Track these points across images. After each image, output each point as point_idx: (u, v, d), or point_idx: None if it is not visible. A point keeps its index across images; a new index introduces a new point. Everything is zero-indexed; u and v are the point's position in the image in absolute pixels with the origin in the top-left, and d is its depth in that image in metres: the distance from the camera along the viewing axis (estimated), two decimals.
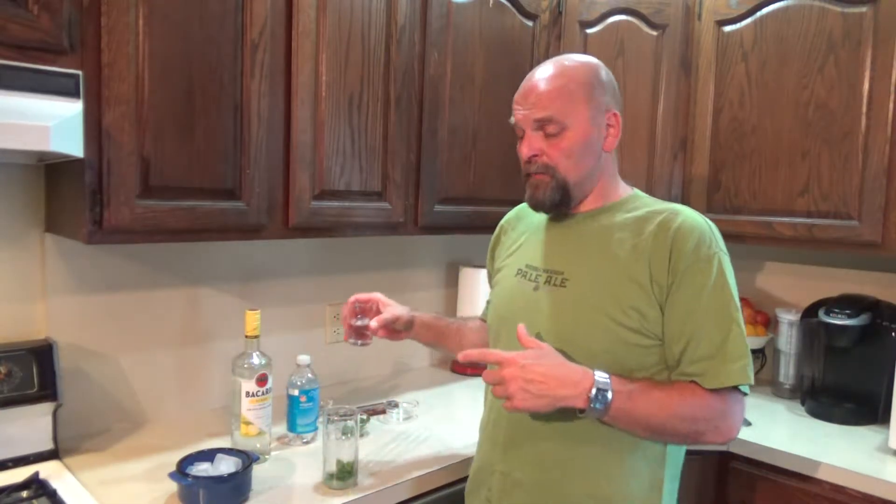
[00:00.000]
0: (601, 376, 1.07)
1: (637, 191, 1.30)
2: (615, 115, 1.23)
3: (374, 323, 1.40)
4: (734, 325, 1.12)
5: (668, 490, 1.21)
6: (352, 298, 1.43)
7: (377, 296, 1.45)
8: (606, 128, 1.22)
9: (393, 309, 1.44)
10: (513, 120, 1.24)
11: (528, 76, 1.24)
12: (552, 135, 1.18)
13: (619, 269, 1.15)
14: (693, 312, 1.12)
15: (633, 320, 1.13)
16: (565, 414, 1.14)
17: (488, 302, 1.50)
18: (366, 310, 1.44)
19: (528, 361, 1.06)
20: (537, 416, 1.18)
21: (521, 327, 1.12)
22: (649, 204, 1.24)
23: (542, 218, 1.34)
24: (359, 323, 1.42)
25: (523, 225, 1.39)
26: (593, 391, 1.05)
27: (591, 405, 1.05)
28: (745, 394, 1.14)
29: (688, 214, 1.17)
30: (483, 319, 1.52)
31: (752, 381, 1.12)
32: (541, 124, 1.19)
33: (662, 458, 1.19)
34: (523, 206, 1.44)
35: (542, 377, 1.05)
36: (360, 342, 1.44)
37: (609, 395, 1.06)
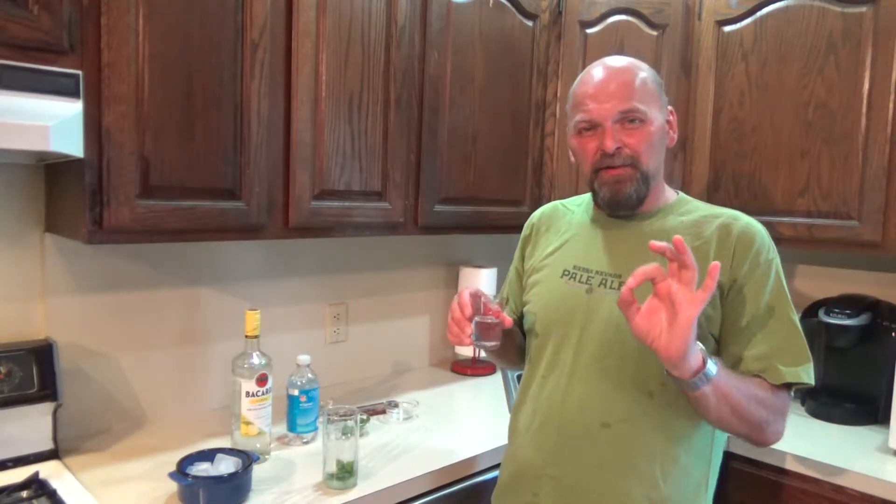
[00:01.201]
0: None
1: (682, 193, 1.30)
2: (673, 112, 1.26)
3: (508, 318, 1.19)
4: (794, 328, 1.14)
5: (711, 490, 1.22)
6: (467, 295, 1.19)
7: (481, 290, 1.23)
8: (667, 124, 1.24)
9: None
10: (581, 117, 1.20)
11: (591, 74, 1.22)
12: (633, 127, 1.17)
13: None
14: (754, 315, 1.13)
15: (700, 327, 1.12)
16: (622, 412, 1.15)
17: (505, 303, 1.48)
18: (484, 306, 1.18)
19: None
20: (592, 416, 1.17)
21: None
22: (701, 207, 1.25)
23: (584, 218, 1.32)
24: (490, 320, 1.17)
25: (562, 224, 1.36)
26: (705, 353, 1.01)
27: (706, 365, 0.99)
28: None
29: (749, 220, 1.20)
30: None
31: (814, 383, 1.13)
32: (625, 115, 1.17)
33: (709, 455, 1.20)
34: (556, 204, 1.43)
35: (692, 326, 0.96)
36: (490, 343, 1.19)
37: (716, 361, 1.03)
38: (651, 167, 1.20)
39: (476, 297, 1.19)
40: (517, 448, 1.30)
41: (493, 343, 1.19)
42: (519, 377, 1.41)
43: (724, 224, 1.18)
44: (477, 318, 1.17)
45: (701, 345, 1.03)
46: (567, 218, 1.37)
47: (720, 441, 1.23)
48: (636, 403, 1.15)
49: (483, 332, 1.17)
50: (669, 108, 1.25)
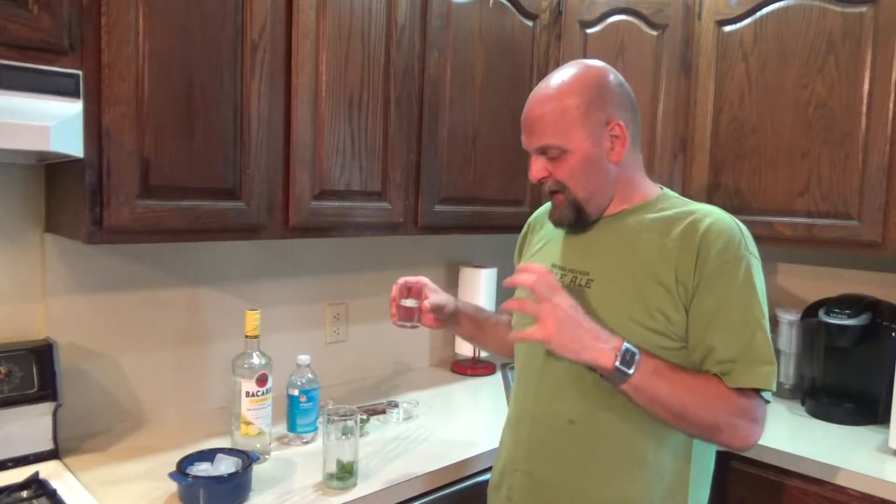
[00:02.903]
0: (630, 343, 1.07)
1: (666, 190, 1.28)
2: (619, 125, 1.18)
3: (427, 303, 1.38)
4: (759, 330, 1.10)
5: (694, 494, 1.19)
6: (400, 280, 1.39)
7: (424, 280, 1.41)
8: (611, 140, 1.18)
9: (439, 296, 1.42)
10: (522, 141, 1.25)
11: (529, 100, 1.23)
12: (554, 158, 1.19)
13: (645, 271, 1.15)
14: (717, 316, 1.10)
15: (658, 323, 1.12)
16: (588, 409, 1.15)
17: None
18: (414, 292, 1.39)
19: (575, 303, 1.07)
20: (559, 412, 1.18)
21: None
22: (679, 204, 1.22)
23: None
24: (409, 304, 1.38)
25: (548, 224, 1.37)
26: (622, 350, 1.05)
27: (617, 364, 1.04)
28: (767, 401, 1.12)
29: (718, 216, 1.16)
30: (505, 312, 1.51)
31: (774, 389, 1.11)
32: (542, 150, 1.20)
33: (687, 456, 1.18)
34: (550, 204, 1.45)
35: (583, 320, 1.06)
36: (409, 324, 1.39)
37: (636, 359, 1.05)
38: (580, 194, 1.20)
39: (407, 284, 1.39)
40: (501, 443, 1.34)
41: (412, 324, 1.39)
42: None
43: (692, 221, 1.15)
44: (401, 301, 1.38)
45: (622, 344, 1.06)
46: None
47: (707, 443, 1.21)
48: (601, 401, 1.15)
49: (401, 313, 1.39)
50: (617, 121, 1.17)
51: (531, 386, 1.24)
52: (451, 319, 1.45)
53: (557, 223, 1.26)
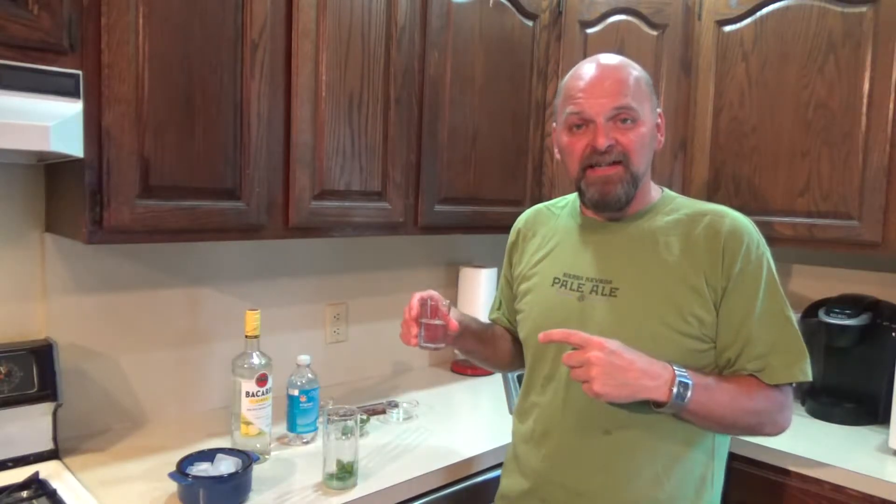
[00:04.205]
0: (680, 369, 1.07)
1: (666, 190, 1.29)
2: (661, 115, 1.24)
3: (454, 322, 1.23)
4: (789, 324, 1.15)
5: (717, 483, 1.22)
6: (416, 297, 1.23)
7: (437, 294, 1.25)
8: (656, 127, 1.23)
9: (453, 311, 1.30)
10: (572, 109, 1.18)
11: (584, 69, 1.19)
12: (626, 127, 1.16)
13: (672, 276, 1.15)
14: (749, 315, 1.13)
15: (693, 327, 1.13)
16: (622, 419, 1.14)
17: (498, 307, 1.49)
18: (433, 309, 1.23)
19: (614, 347, 1.04)
20: (593, 424, 1.18)
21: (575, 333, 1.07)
22: (687, 204, 1.24)
23: (570, 222, 1.31)
24: (437, 322, 1.22)
25: (548, 229, 1.35)
26: (676, 383, 1.05)
27: (673, 398, 1.05)
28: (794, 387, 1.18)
29: (734, 215, 1.18)
30: (493, 322, 1.49)
31: (811, 378, 1.15)
32: (619, 112, 1.15)
33: (712, 450, 1.21)
34: (540, 208, 1.42)
35: (629, 364, 1.03)
36: (433, 345, 1.24)
37: (690, 387, 1.05)
38: (640, 168, 1.18)
39: (425, 300, 1.23)
40: (521, 456, 1.30)
41: (437, 345, 1.24)
42: (519, 378, 1.41)
43: (711, 223, 1.17)
44: (423, 320, 1.22)
45: (675, 377, 1.05)
46: (552, 222, 1.35)
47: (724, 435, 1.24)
48: (635, 408, 1.14)
49: (427, 333, 1.23)
50: (659, 110, 1.24)
51: (557, 399, 1.22)
52: (461, 335, 1.30)
53: (612, 203, 1.19)
